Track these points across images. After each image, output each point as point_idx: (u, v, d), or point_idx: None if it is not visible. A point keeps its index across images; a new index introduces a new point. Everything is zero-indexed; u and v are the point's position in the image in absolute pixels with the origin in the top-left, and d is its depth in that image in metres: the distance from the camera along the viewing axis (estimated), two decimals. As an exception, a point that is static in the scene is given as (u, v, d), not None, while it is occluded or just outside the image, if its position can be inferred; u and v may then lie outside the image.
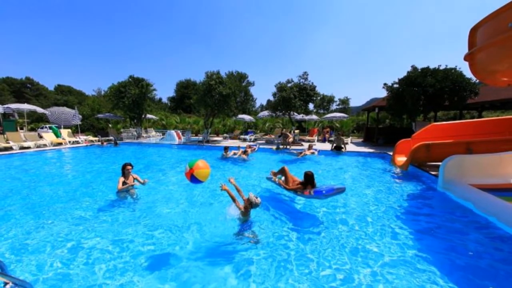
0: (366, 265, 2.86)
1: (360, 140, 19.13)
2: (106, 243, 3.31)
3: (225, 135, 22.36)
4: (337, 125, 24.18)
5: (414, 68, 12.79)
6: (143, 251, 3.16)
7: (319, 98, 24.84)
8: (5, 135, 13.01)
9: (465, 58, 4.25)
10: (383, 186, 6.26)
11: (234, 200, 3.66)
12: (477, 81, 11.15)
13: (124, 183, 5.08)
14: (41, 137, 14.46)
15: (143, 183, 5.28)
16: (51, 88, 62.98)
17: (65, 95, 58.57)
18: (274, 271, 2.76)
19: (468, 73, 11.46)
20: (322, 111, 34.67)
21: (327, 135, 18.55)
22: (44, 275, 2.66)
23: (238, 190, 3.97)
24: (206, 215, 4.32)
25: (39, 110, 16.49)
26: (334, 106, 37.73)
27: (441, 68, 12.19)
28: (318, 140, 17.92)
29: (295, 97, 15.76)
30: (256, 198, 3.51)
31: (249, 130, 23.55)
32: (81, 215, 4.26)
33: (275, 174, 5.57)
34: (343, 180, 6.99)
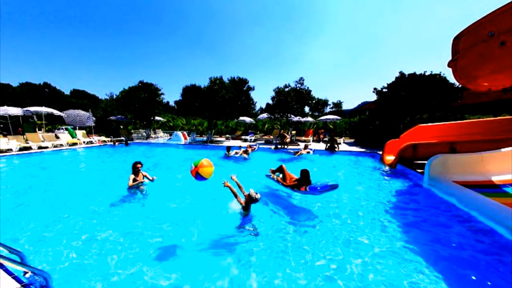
0: (358, 255, 2.86)
1: (352, 140, 19.10)
2: (117, 236, 3.31)
3: (227, 135, 22.33)
4: (330, 126, 24.14)
5: (401, 74, 12.78)
6: (152, 242, 3.16)
7: (314, 101, 24.79)
8: (24, 136, 13.02)
9: (449, 65, 4.23)
10: (373, 183, 6.25)
11: (235, 195, 3.66)
12: (460, 86, 11.16)
13: (134, 180, 5.10)
14: (57, 137, 14.45)
15: (151, 180, 5.30)
16: (67, 92, 63.04)
17: (80, 99, 58.53)
18: (273, 261, 2.76)
19: (451, 79, 11.47)
20: (317, 113, 34.60)
21: (321, 136, 18.58)
22: (61, 265, 2.66)
23: (239, 187, 3.97)
24: (209, 209, 4.32)
25: (56, 112, 16.41)
26: (328, 109, 37.73)
27: (427, 74, 12.18)
28: (313, 140, 17.91)
29: (292, 100, 15.75)
30: (256, 194, 3.51)
31: (249, 131, 23.48)
32: (94, 210, 4.26)
33: (273, 171, 5.58)
34: (336, 177, 6.98)
